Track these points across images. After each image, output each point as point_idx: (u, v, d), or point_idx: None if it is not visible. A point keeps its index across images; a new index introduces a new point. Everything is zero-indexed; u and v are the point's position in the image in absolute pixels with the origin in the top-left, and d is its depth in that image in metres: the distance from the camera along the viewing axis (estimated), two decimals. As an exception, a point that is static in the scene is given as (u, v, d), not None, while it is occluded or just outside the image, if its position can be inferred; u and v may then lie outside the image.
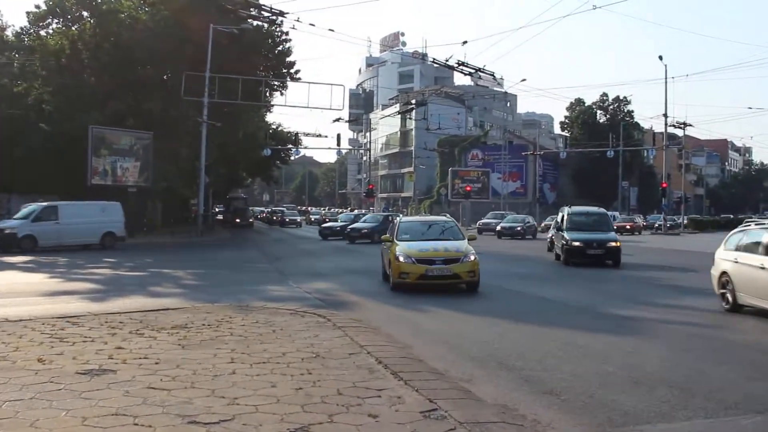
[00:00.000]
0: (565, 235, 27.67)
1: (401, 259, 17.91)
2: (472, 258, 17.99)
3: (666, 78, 67.75)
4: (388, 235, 20.44)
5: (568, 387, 8.47)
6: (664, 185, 67.21)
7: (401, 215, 21.03)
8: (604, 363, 9.89)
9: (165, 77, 49.66)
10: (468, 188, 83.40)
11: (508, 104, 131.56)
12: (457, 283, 17.94)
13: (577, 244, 26.90)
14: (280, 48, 53.04)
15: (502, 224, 51.88)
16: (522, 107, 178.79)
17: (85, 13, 50.01)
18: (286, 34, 52.44)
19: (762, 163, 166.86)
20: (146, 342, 10.23)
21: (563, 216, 29.82)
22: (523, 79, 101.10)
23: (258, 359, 9.07)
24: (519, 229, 50.56)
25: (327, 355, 9.43)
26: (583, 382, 8.73)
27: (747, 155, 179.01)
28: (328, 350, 9.74)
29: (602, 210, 31.99)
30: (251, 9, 40.30)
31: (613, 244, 26.83)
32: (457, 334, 12.33)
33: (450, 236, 19.61)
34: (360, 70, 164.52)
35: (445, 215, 22.97)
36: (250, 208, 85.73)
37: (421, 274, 17.64)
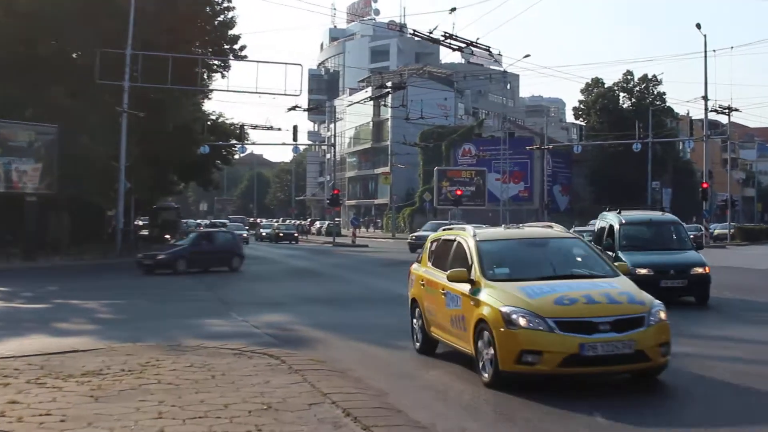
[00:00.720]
0: (622, 256, 21.71)
1: (522, 322, 10.89)
2: (662, 315, 11.36)
3: (705, 52, 67.96)
4: (460, 269, 12.62)
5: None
6: (705, 185, 67.58)
7: (475, 229, 13.91)
8: (626, 409, 9.89)
9: (74, 55, 49.42)
10: (459, 192, 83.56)
11: (509, 87, 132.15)
12: (635, 369, 11.36)
13: (644, 272, 20.69)
14: (221, 18, 53.04)
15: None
16: (526, 90, 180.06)
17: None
18: (229, 1, 52.49)
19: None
20: (49, 394, 10.11)
21: (611, 226, 24.25)
22: (527, 55, 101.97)
23: (192, 413, 9.00)
24: None
25: (281, 406, 9.39)
26: (605, 435, 8.71)
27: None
28: (283, 400, 9.70)
29: (670, 216, 27.15)
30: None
31: (700, 270, 21.74)
32: (446, 377, 12.31)
33: (587, 267, 12.97)
34: (322, 46, 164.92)
35: (550, 225, 15.70)
36: (184, 220, 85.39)
37: (572, 354, 10.68)
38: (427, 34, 38.32)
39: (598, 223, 26.54)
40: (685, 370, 12.32)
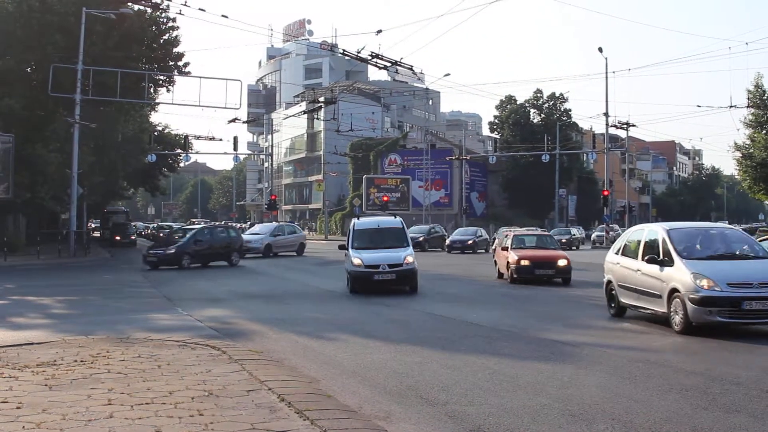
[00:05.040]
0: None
1: None
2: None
3: (606, 72, 69.36)
4: None
5: (497, 423, 8.60)
6: (606, 193, 68.63)
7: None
8: (537, 395, 10.06)
9: (29, 69, 48.55)
10: (385, 198, 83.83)
11: (431, 102, 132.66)
12: None
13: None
14: (166, 37, 52.41)
15: None
16: (446, 106, 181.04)
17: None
18: (173, 20, 51.80)
19: (713, 168, 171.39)
20: (5, 383, 9.97)
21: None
22: (447, 74, 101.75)
23: (140, 400, 8.95)
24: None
25: (221, 393, 9.37)
26: (514, 416, 8.87)
27: (697, 159, 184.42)
28: (223, 387, 9.68)
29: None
30: (130, -9, 39.74)
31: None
32: (372, 365, 12.38)
33: None
34: (260, 64, 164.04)
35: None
36: (133, 223, 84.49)
37: None
38: (356, 53, 38.37)
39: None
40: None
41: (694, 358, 12.95)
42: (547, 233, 38.22)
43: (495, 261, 33.15)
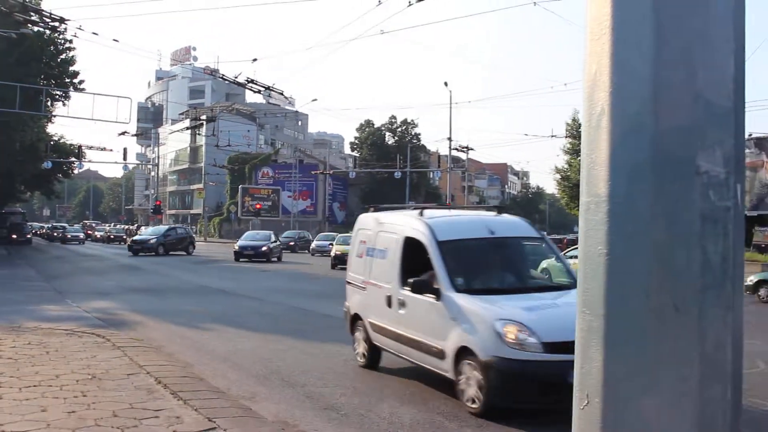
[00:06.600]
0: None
1: None
2: None
3: (450, 103, 70.31)
4: None
5: (348, 402, 8.68)
6: (448, 205, 69.88)
7: None
8: (385, 376, 10.19)
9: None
10: (258, 206, 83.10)
11: (300, 123, 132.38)
12: None
13: None
14: (63, 56, 50.83)
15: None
16: (313, 127, 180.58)
17: None
18: (70, 42, 50.31)
19: (538, 187, 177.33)
20: None
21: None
22: (314, 99, 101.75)
23: (28, 383, 8.60)
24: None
25: (104, 376, 9.11)
26: (363, 396, 8.97)
27: (525, 179, 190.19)
28: (106, 371, 9.41)
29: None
30: (30, 14, 38.08)
31: None
32: (241, 351, 12.28)
33: None
34: (149, 84, 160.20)
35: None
36: (29, 223, 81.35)
37: None
38: (234, 78, 37.95)
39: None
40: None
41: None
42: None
43: None
